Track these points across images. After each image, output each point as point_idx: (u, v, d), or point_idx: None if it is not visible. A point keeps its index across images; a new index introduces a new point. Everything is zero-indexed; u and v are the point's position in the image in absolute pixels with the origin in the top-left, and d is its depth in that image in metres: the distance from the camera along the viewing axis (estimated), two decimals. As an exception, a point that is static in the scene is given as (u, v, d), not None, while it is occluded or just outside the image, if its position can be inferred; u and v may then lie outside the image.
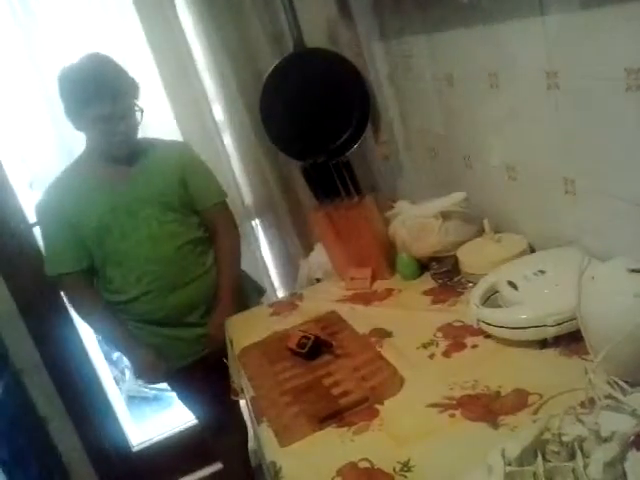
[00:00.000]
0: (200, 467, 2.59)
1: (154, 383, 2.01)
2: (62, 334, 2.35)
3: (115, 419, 2.56)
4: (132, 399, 3.17)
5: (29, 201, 2.26)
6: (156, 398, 3.20)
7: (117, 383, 3.02)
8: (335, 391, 1.22)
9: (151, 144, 1.81)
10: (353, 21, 1.89)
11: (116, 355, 3.44)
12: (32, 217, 2.24)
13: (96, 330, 1.99)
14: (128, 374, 3.20)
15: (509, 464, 0.78)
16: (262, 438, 1.20)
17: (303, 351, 1.35)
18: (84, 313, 1.86)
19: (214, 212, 1.86)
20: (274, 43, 1.99)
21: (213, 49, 1.94)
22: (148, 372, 1.89)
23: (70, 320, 2.37)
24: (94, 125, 1.63)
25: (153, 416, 2.99)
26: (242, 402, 1.89)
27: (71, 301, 1.89)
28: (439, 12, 1.57)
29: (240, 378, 1.59)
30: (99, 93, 1.59)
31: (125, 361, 3.05)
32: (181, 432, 2.64)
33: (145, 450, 2.62)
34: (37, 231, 2.24)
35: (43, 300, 2.29)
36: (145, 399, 3.13)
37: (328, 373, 1.29)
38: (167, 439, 2.64)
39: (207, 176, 1.86)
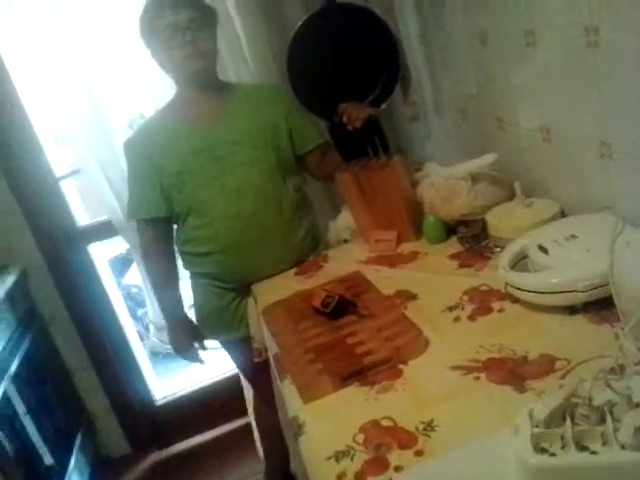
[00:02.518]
0: (222, 423, 2.64)
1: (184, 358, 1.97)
2: (89, 288, 2.39)
3: (139, 373, 2.62)
4: (155, 355, 3.23)
5: (55, 156, 2.28)
6: (171, 356, 3.25)
7: (141, 339, 3.07)
8: (359, 350, 1.21)
9: (245, 86, 1.74)
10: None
11: (141, 311, 3.51)
12: (58, 171, 2.27)
13: (151, 284, 1.93)
14: (152, 330, 3.25)
15: (537, 425, 0.77)
16: (285, 394, 1.21)
17: (327, 310, 1.34)
18: (146, 265, 1.86)
19: (318, 154, 1.77)
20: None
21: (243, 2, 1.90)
22: (180, 350, 1.91)
23: (96, 274, 2.41)
24: (164, 37, 1.57)
25: (176, 372, 3.03)
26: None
27: (142, 250, 1.83)
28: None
29: (263, 336, 1.60)
30: (164, 4, 1.56)
31: (149, 317, 3.10)
32: (203, 388, 2.69)
33: (168, 404, 2.68)
34: (63, 185, 2.28)
35: (70, 254, 2.33)
36: (168, 355, 3.17)
37: (352, 332, 1.28)
38: (190, 394, 2.70)
39: (307, 117, 1.80)
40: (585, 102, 1.27)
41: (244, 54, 1.99)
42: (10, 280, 2.16)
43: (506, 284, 1.23)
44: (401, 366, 1.15)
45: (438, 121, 2.02)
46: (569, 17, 1.23)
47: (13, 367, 2.02)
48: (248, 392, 2.43)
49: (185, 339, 1.88)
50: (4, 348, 2.01)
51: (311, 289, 1.50)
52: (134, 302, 3.51)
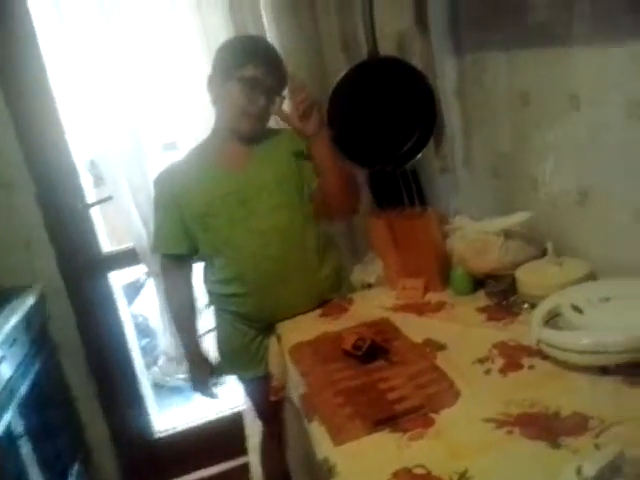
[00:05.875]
0: (220, 461, 2.59)
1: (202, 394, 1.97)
2: (104, 316, 2.38)
3: (142, 404, 2.59)
4: (159, 387, 3.19)
5: (88, 181, 2.31)
6: (180, 389, 3.22)
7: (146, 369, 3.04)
8: (390, 396, 1.21)
9: (272, 131, 1.77)
10: (428, 32, 1.90)
11: (145, 341, 3.48)
12: (89, 197, 2.29)
13: (172, 319, 1.96)
14: (162, 360, 3.22)
15: (586, 482, 0.77)
16: (313, 435, 1.21)
17: (359, 353, 1.34)
18: (167, 298, 1.88)
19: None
20: (347, 49, 2.02)
21: (286, 49, 1.96)
22: (197, 385, 1.92)
23: (113, 302, 2.41)
24: (238, 86, 1.60)
25: (175, 406, 3.00)
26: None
27: (164, 283, 1.86)
28: (519, 30, 1.58)
29: (286, 375, 1.60)
30: (257, 57, 1.61)
31: (161, 347, 3.08)
32: (204, 424, 2.66)
33: (167, 438, 2.64)
34: (93, 211, 2.30)
35: (90, 280, 2.33)
36: (173, 388, 3.15)
37: (383, 378, 1.28)
38: (190, 429, 2.66)
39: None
40: (624, 169, 1.31)
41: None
42: (30, 302, 2.15)
43: (538, 341, 1.24)
44: (433, 415, 1.15)
45: (467, 175, 2.06)
46: (614, 86, 1.28)
47: (23, 390, 2.00)
48: (251, 429, 2.41)
49: (204, 375, 1.89)
50: (16, 370, 1.99)
51: (339, 331, 1.51)
52: (138, 331, 3.49)
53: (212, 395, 1.95)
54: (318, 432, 1.19)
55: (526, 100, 1.61)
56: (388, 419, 1.15)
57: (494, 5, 1.69)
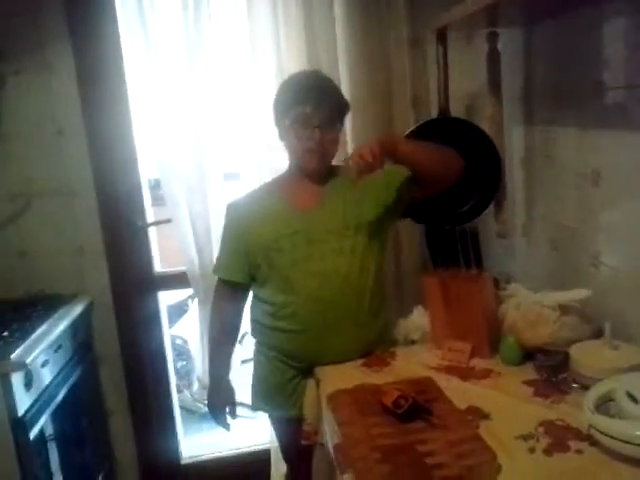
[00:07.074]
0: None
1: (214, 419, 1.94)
2: (147, 334, 2.42)
3: (172, 428, 2.59)
4: (191, 413, 3.19)
5: (148, 200, 2.38)
6: (208, 418, 3.21)
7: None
8: (429, 461, 1.19)
9: (344, 169, 1.77)
10: (500, 97, 1.91)
11: (179, 365, 3.52)
12: (150, 217, 2.36)
13: (209, 340, 1.96)
14: (197, 386, 3.23)
15: None
16: (346, 489, 1.19)
17: (399, 411, 1.32)
18: (212, 319, 1.88)
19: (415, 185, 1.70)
20: (417, 104, 2.06)
21: (357, 99, 2.01)
22: (213, 411, 1.91)
23: (158, 322, 2.45)
24: (292, 128, 1.66)
25: (207, 434, 2.98)
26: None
27: (213, 305, 1.88)
28: (596, 109, 1.57)
29: (320, 420, 1.59)
30: (303, 96, 1.64)
31: (197, 373, 3.10)
32: (231, 456, 2.65)
33: (193, 465, 2.64)
34: (152, 230, 2.36)
35: (139, 297, 2.38)
36: (199, 416, 3.15)
37: (422, 440, 1.26)
38: (215, 459, 2.66)
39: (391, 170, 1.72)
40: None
41: (347, 151, 2.09)
42: (77, 310, 2.22)
43: (590, 426, 1.20)
44: (471, 487, 1.12)
45: (525, 244, 2.04)
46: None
47: (60, 395, 2.04)
48: (276, 470, 2.38)
49: (222, 401, 1.88)
50: (57, 375, 2.04)
51: (381, 385, 1.50)
52: (175, 354, 3.53)
53: (225, 425, 1.93)
54: (351, 486, 1.17)
55: (596, 179, 1.59)
56: (425, 485, 1.12)
57: (571, 81, 1.70)
